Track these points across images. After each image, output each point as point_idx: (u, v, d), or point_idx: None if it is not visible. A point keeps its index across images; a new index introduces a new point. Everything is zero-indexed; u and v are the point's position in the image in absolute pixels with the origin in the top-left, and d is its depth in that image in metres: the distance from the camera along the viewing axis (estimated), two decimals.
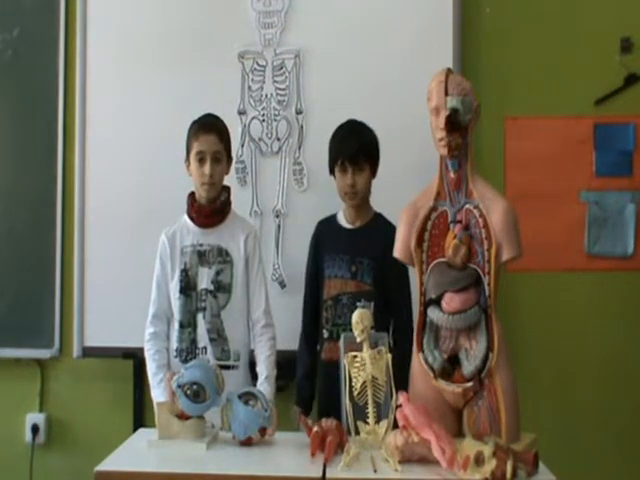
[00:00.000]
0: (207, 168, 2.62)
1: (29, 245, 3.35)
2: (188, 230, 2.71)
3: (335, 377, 2.50)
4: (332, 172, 2.76)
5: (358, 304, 2.62)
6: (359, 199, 2.72)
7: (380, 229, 2.71)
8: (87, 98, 3.28)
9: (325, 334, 2.72)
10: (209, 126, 2.67)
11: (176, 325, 2.66)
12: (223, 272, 2.64)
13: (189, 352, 2.63)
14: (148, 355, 2.66)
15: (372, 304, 2.65)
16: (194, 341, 2.64)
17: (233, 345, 2.63)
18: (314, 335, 2.76)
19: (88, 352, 3.27)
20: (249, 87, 3.22)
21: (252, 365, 2.71)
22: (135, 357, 3.19)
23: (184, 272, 2.66)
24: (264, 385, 2.55)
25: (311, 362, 2.77)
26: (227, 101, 3.15)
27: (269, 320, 2.69)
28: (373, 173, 2.74)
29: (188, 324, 2.64)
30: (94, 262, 3.26)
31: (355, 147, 2.69)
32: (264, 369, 2.61)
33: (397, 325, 2.68)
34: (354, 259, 2.67)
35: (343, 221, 2.79)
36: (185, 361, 2.59)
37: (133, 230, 3.18)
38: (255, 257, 2.70)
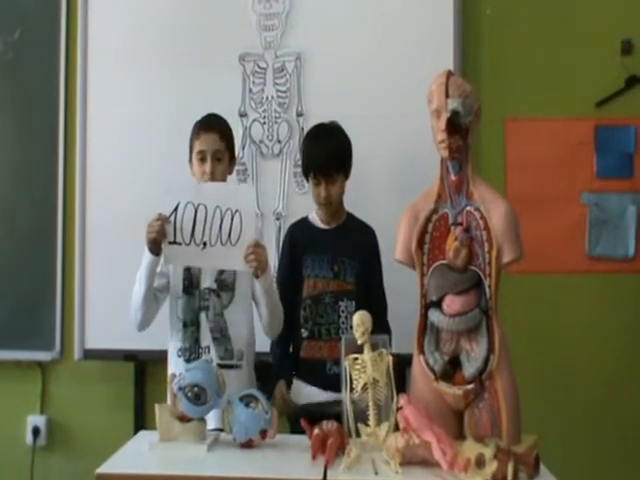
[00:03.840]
0: (208, 167, 2.61)
1: (30, 247, 3.35)
2: None
3: (319, 374, 2.61)
4: (307, 179, 2.77)
5: (341, 303, 2.68)
6: (334, 207, 2.75)
7: (357, 229, 2.76)
8: (88, 101, 3.28)
9: (304, 333, 2.72)
10: (210, 125, 2.67)
11: (179, 324, 2.64)
12: (226, 271, 2.64)
13: (192, 351, 2.61)
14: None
15: (353, 303, 2.68)
16: (197, 340, 2.62)
17: (236, 344, 2.62)
18: (287, 335, 2.75)
19: (89, 354, 3.27)
20: (250, 89, 3.23)
21: (257, 365, 2.71)
22: (136, 359, 3.21)
23: (187, 271, 2.65)
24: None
25: (287, 350, 2.78)
26: (228, 103, 3.15)
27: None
28: (346, 177, 2.74)
29: (191, 323, 2.63)
30: (95, 264, 3.27)
31: (325, 159, 2.68)
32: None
33: (377, 327, 2.68)
34: (335, 259, 2.69)
35: (318, 222, 2.80)
36: (188, 361, 2.58)
37: (135, 232, 3.17)
38: None
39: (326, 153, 2.70)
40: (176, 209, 2.46)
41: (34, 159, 3.37)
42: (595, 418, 3.16)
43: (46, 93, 3.35)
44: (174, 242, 2.47)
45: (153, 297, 2.60)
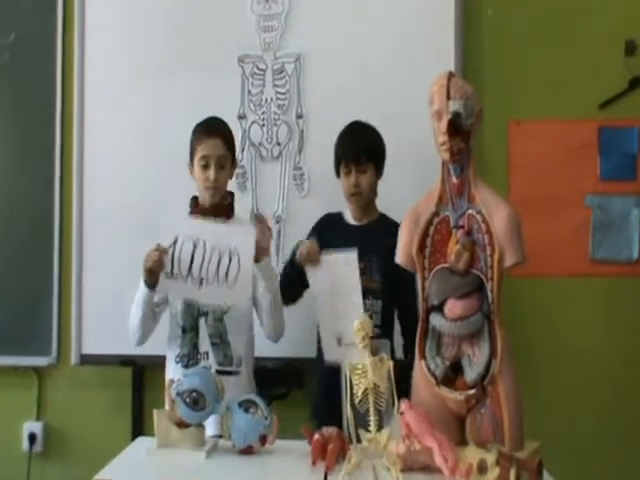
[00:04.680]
0: (211, 173, 2.61)
1: (26, 252, 3.35)
2: None
3: (340, 378, 2.54)
4: (338, 175, 2.79)
5: (366, 301, 2.62)
6: (364, 200, 2.76)
7: (388, 227, 2.72)
8: (85, 102, 3.29)
9: None
10: (214, 130, 2.66)
11: (178, 331, 2.65)
12: None
13: (191, 357, 2.62)
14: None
15: (380, 302, 2.68)
16: (196, 346, 2.63)
17: (235, 350, 2.63)
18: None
19: (86, 359, 3.27)
20: (249, 91, 3.24)
21: (256, 371, 2.72)
22: (134, 364, 3.21)
23: None
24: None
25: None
26: (227, 105, 3.16)
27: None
28: (378, 174, 2.77)
29: (190, 329, 2.64)
30: (92, 268, 3.27)
31: (357, 148, 2.73)
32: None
33: (407, 330, 2.69)
34: (363, 255, 2.63)
35: (349, 218, 2.83)
36: (187, 367, 2.59)
37: (132, 236, 3.19)
38: None
39: (357, 141, 2.75)
40: (175, 242, 2.47)
41: (30, 163, 3.38)
42: (599, 423, 3.15)
43: (43, 95, 3.36)
44: (171, 274, 2.49)
45: (151, 316, 2.63)
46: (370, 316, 2.62)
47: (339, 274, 2.56)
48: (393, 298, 2.71)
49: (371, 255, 2.68)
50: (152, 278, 2.52)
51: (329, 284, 2.57)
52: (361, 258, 2.63)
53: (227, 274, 2.47)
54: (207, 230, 2.50)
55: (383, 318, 2.69)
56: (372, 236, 2.71)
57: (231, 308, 2.62)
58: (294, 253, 2.69)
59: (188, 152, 2.68)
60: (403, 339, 2.70)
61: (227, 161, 2.66)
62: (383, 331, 2.63)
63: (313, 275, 2.62)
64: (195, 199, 2.71)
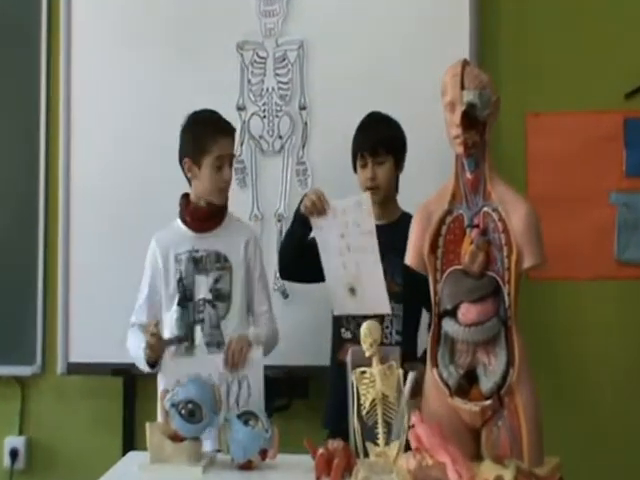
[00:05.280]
0: (227, 173, 2.66)
1: (9, 252, 3.38)
2: (182, 235, 2.72)
3: None
4: (355, 170, 2.81)
5: None
6: (382, 194, 2.75)
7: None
8: (72, 94, 3.33)
9: (347, 335, 2.72)
10: (227, 128, 2.71)
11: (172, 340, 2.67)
12: (222, 279, 2.66)
13: None
14: (134, 334, 2.65)
15: (401, 306, 2.69)
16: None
17: None
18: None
19: (73, 369, 3.29)
20: (249, 80, 3.25)
21: None
22: (125, 374, 3.22)
23: (180, 282, 2.67)
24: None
25: None
26: (225, 96, 3.18)
27: (273, 323, 2.75)
28: (398, 167, 2.78)
29: (185, 338, 2.66)
30: (80, 271, 3.29)
31: (373, 138, 2.75)
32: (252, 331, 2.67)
33: None
34: (383, 256, 2.62)
35: None
36: None
37: (122, 237, 3.21)
38: (257, 263, 2.74)
39: (374, 132, 2.77)
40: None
41: (13, 161, 3.40)
42: (627, 439, 3.16)
43: (27, 87, 3.38)
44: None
45: None
46: (391, 321, 2.66)
47: (350, 221, 2.58)
48: (416, 302, 2.70)
49: (392, 256, 2.62)
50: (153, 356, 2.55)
51: (338, 232, 2.59)
52: (381, 259, 2.64)
53: (238, 401, 2.48)
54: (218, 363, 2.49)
55: (405, 323, 2.70)
56: (394, 235, 2.66)
57: (228, 313, 2.64)
58: (297, 210, 2.70)
59: (183, 148, 2.70)
60: None
61: (234, 158, 2.73)
62: (405, 337, 2.66)
63: (319, 227, 2.63)
64: (186, 197, 2.72)
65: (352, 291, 2.61)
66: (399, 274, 2.68)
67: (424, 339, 2.51)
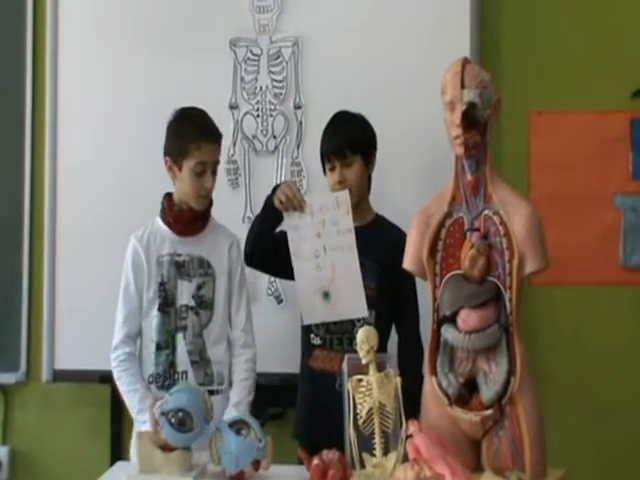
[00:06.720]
0: (209, 181, 2.63)
1: None
2: (163, 236, 2.69)
3: (328, 388, 2.58)
4: (324, 170, 2.81)
5: None
6: (354, 197, 2.72)
7: (384, 230, 2.76)
8: (59, 92, 3.32)
9: (316, 341, 2.72)
10: (213, 134, 2.66)
11: (151, 347, 2.65)
12: (205, 286, 2.65)
13: (167, 377, 2.63)
14: (127, 378, 2.64)
15: (372, 311, 2.68)
16: (172, 364, 2.64)
17: (217, 367, 2.65)
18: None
19: (59, 376, 3.29)
20: (242, 78, 3.25)
21: None
22: (113, 381, 3.20)
23: (162, 286, 2.67)
24: (232, 413, 2.52)
25: None
26: (217, 94, 3.18)
27: (249, 340, 2.70)
28: (368, 166, 2.77)
29: (166, 345, 2.64)
30: (66, 276, 3.29)
31: (339, 141, 2.74)
32: (235, 395, 2.62)
33: (405, 341, 2.71)
34: None
35: None
36: (162, 387, 2.60)
37: (109, 242, 3.19)
38: (238, 269, 2.72)
39: (339, 134, 2.76)
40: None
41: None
42: (632, 448, 3.16)
43: (10, 84, 3.37)
44: None
45: None
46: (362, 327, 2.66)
47: (327, 219, 2.59)
48: (389, 308, 2.72)
49: (364, 260, 2.67)
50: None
51: (315, 232, 2.60)
52: None
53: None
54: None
55: (377, 330, 2.69)
56: (366, 239, 2.69)
57: (211, 321, 2.64)
58: (269, 200, 2.70)
59: (166, 145, 2.69)
60: (398, 356, 2.68)
61: (218, 164, 2.69)
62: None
63: (294, 226, 2.63)
64: (169, 196, 2.70)
65: (325, 295, 2.61)
66: (372, 278, 2.70)
67: (394, 350, 2.53)
